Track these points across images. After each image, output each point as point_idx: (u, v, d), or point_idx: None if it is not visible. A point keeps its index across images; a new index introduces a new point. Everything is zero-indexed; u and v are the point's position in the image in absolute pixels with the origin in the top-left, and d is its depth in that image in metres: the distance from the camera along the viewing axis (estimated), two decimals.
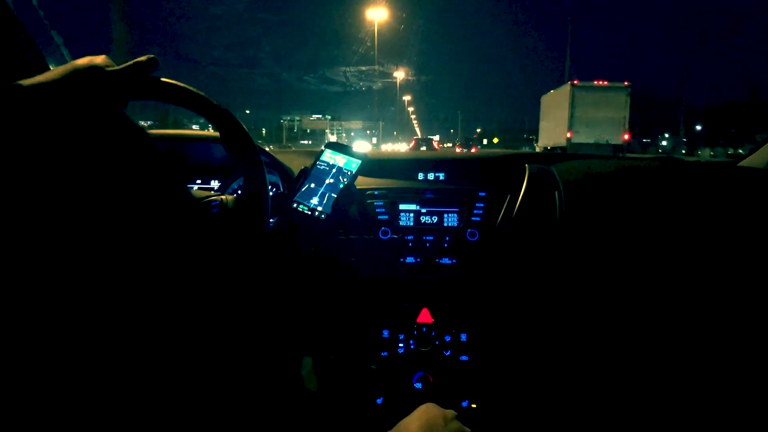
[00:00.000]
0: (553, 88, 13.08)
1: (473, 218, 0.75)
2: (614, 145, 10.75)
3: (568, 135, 11.09)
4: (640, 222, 0.70)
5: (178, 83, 0.47)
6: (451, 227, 0.76)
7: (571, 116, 11.16)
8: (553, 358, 0.73)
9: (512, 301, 0.73)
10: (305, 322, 0.75)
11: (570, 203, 0.72)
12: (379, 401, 0.73)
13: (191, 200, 0.55)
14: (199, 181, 0.79)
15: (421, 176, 0.81)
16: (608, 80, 11.25)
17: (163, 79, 0.46)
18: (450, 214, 0.76)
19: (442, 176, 0.80)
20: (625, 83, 11.11)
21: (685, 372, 0.69)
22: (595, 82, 11.21)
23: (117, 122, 0.41)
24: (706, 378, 0.69)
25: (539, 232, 0.72)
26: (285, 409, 0.74)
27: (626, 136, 10.95)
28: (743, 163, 0.79)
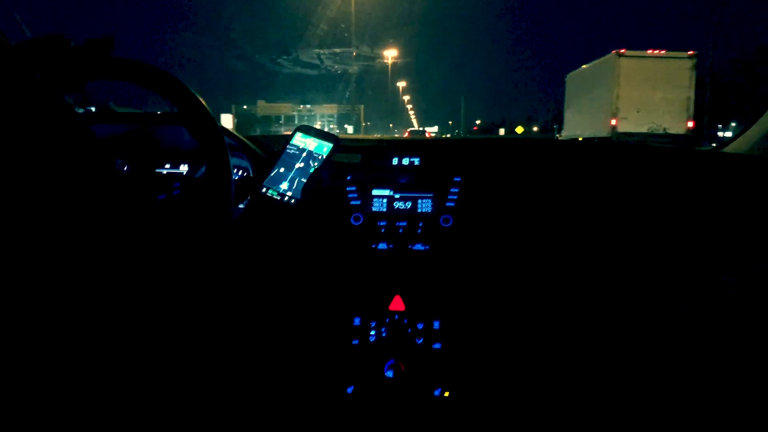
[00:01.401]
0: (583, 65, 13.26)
1: (447, 204, 1.02)
2: (674, 136, 10.75)
3: (613, 122, 11.19)
4: (608, 207, 0.99)
5: (132, 60, 0.70)
6: (425, 213, 1.02)
7: (617, 97, 11.15)
8: (528, 344, 1.00)
9: (486, 287, 1.00)
10: (273, 309, 1.00)
11: (545, 187, 1.00)
12: (349, 390, 0.98)
13: (122, 182, 0.75)
14: (168, 165, 1.04)
15: (395, 161, 1.08)
16: (666, 49, 11.26)
17: (120, 58, 0.70)
18: (424, 200, 1.03)
19: (417, 161, 1.08)
20: (690, 52, 11.08)
21: (668, 358, 0.97)
22: (650, 52, 11.21)
23: (51, 100, 0.58)
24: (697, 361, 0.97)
25: (512, 217, 1.00)
26: (256, 400, 0.98)
27: (690, 124, 10.97)
28: (727, 149, 1.09)
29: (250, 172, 1.06)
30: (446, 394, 0.97)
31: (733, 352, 0.94)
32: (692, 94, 11.13)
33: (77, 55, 0.62)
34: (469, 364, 0.99)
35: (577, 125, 13.48)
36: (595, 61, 12.62)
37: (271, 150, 1.06)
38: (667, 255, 0.96)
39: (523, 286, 1.00)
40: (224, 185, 0.74)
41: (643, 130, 10.98)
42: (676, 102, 11.06)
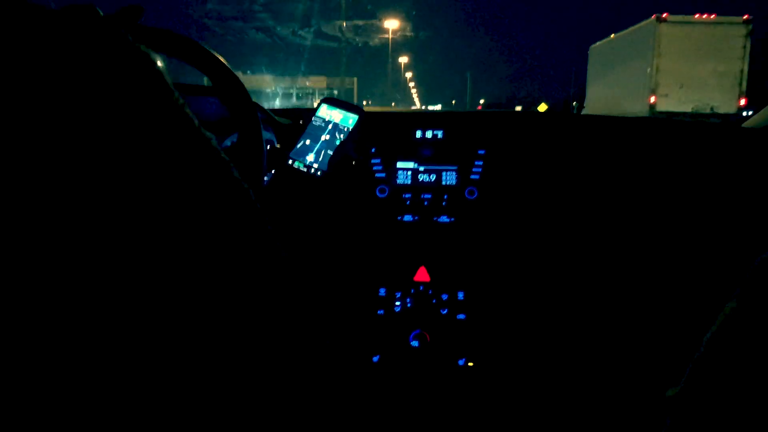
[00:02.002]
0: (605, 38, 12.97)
1: (472, 176, 1.18)
2: (724, 116, 10.46)
3: (652, 100, 10.95)
4: (635, 183, 1.14)
5: (168, 30, 0.85)
6: (450, 185, 1.18)
7: (657, 70, 10.88)
8: (550, 315, 1.16)
9: (510, 259, 1.16)
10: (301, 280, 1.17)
11: (572, 160, 1.16)
12: (375, 359, 1.15)
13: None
14: None
15: (419, 134, 1.24)
16: (716, 13, 10.80)
17: (155, 28, 0.86)
18: (448, 173, 1.19)
19: (440, 134, 1.23)
20: (745, 17, 10.63)
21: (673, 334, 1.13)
22: (696, 17, 10.89)
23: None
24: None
25: (536, 190, 1.16)
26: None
27: (743, 101, 10.70)
28: (747, 123, 1.24)
29: (275, 143, 1.22)
30: (470, 364, 1.14)
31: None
32: (746, 67, 10.77)
33: (107, 24, 0.78)
34: (492, 335, 1.15)
35: (603, 103, 13.30)
36: (629, 29, 12.30)
37: (297, 122, 1.22)
38: (688, 231, 1.12)
39: (546, 258, 1.16)
40: (257, 155, 0.90)
41: (688, 109, 10.75)
42: (727, 76, 10.74)
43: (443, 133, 1.23)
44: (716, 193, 1.11)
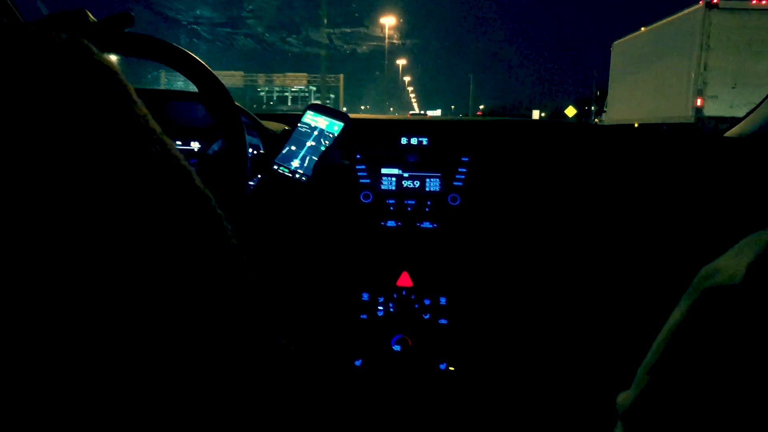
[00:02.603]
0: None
1: (455, 183, 1.37)
2: None
3: (698, 103, 10.55)
4: (616, 191, 1.33)
5: (154, 37, 1.03)
6: (433, 191, 1.38)
7: (704, 68, 10.43)
8: (532, 322, 1.34)
9: (491, 265, 1.35)
10: (284, 284, 1.36)
11: (555, 168, 1.35)
12: (357, 363, 1.33)
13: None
14: (179, 143, 1.42)
15: (404, 140, 1.44)
16: None
17: (142, 34, 1.04)
18: (432, 179, 1.39)
19: (425, 141, 1.43)
20: None
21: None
22: (754, 2, 10.34)
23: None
24: None
25: (519, 198, 1.35)
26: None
27: None
28: (729, 133, 1.43)
29: (261, 149, 1.42)
30: (451, 368, 1.32)
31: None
32: None
33: (96, 30, 0.85)
34: (474, 340, 1.33)
35: (630, 107, 12.98)
36: (667, 20, 11.78)
37: (283, 128, 1.42)
38: (670, 240, 1.30)
39: (527, 265, 1.34)
40: (240, 162, 1.09)
41: (740, 113, 9.56)
42: None
43: (428, 140, 1.43)
44: (692, 200, 1.29)
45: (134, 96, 0.32)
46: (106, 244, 0.27)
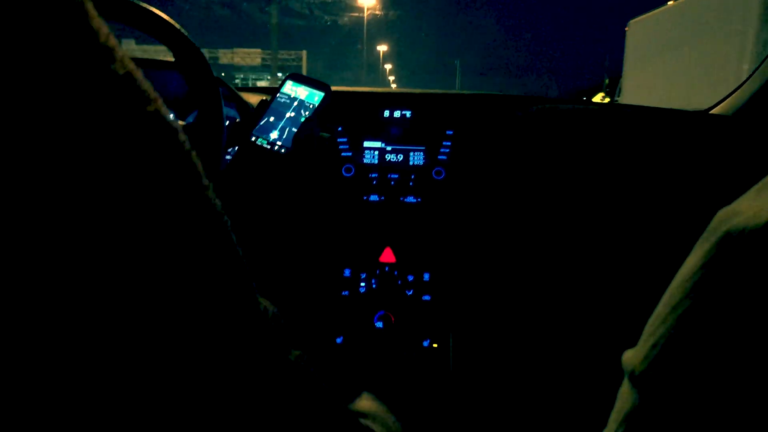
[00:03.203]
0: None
1: (440, 157, 1.34)
2: None
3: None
4: (607, 167, 1.32)
5: (133, 1, 0.97)
6: (417, 165, 1.34)
7: (764, 45, 8.16)
8: (517, 297, 1.33)
9: (476, 240, 1.33)
10: (263, 259, 1.32)
11: (540, 146, 1.33)
12: (339, 340, 1.30)
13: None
14: None
15: (387, 113, 1.40)
16: None
17: None
18: (416, 153, 1.35)
19: (408, 114, 1.39)
20: None
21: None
22: None
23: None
24: None
25: (503, 172, 1.33)
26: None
27: None
28: (716, 110, 1.43)
29: (238, 120, 1.36)
30: (435, 345, 1.30)
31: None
32: None
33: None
34: (458, 316, 1.32)
35: (653, 96, 11.31)
36: None
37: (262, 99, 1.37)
38: (655, 220, 1.30)
39: (511, 240, 1.33)
40: (216, 133, 1.04)
41: None
42: None
43: (411, 113, 1.39)
44: (674, 182, 1.28)
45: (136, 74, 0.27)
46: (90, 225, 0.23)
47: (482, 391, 1.31)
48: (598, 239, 1.31)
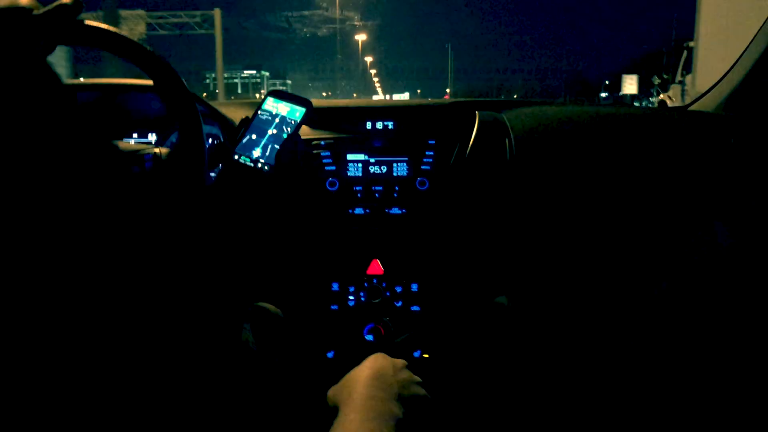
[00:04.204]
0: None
1: (423, 167, 1.34)
2: None
3: None
4: (590, 169, 1.32)
5: (105, 26, 0.96)
6: (401, 176, 1.34)
7: None
8: (504, 304, 1.33)
9: (462, 249, 1.33)
10: (249, 278, 1.32)
11: (520, 150, 1.33)
12: (329, 355, 1.30)
13: (116, 155, 1.02)
14: (135, 135, 1.35)
15: (369, 125, 1.40)
16: None
17: (89, 23, 0.98)
18: (399, 164, 1.35)
19: (390, 125, 1.39)
20: None
21: (632, 321, 1.31)
22: None
23: (38, 70, 0.81)
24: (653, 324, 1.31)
25: (488, 179, 1.33)
26: (232, 372, 1.30)
27: None
28: (694, 106, 1.43)
29: (221, 139, 1.36)
30: (425, 355, 1.30)
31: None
32: None
33: (44, 19, 0.79)
34: (447, 326, 1.31)
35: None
36: None
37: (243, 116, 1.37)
38: (640, 217, 1.30)
39: (497, 248, 1.33)
40: (197, 153, 1.03)
41: None
42: None
43: (393, 124, 1.39)
44: (663, 178, 1.29)
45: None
46: None
47: (473, 402, 1.30)
48: (583, 243, 1.31)
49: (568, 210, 1.32)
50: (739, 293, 1.24)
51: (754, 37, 1.30)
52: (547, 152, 1.33)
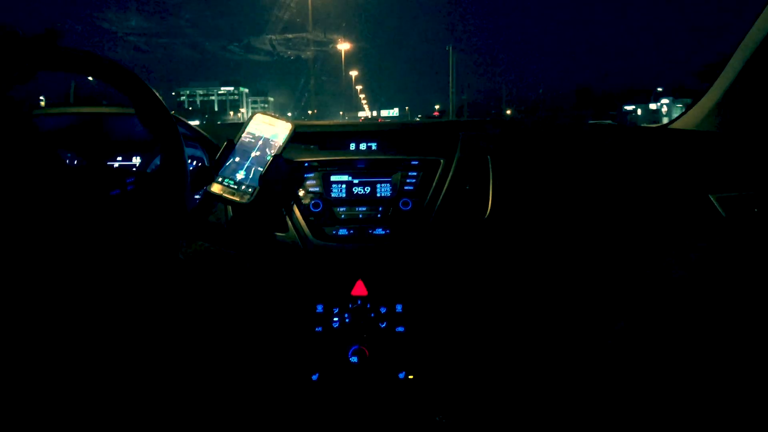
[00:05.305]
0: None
1: (406, 188, 1.34)
2: None
3: None
4: (570, 189, 1.33)
5: (85, 51, 0.97)
6: (384, 197, 1.35)
7: None
8: (487, 323, 1.32)
9: (445, 269, 1.33)
10: (234, 299, 1.31)
11: (500, 170, 1.34)
12: (314, 377, 1.29)
13: (87, 178, 1.01)
14: (119, 158, 1.34)
15: (352, 146, 1.40)
16: None
17: (70, 48, 0.98)
18: (383, 184, 1.35)
19: (374, 146, 1.39)
20: None
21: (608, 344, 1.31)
22: None
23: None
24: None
25: (471, 200, 1.33)
26: (222, 391, 1.29)
27: None
28: (674, 125, 1.45)
29: (205, 162, 1.36)
30: (410, 377, 1.29)
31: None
32: None
33: (25, 46, 0.87)
34: (432, 347, 1.31)
35: None
36: None
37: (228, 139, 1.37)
38: (620, 231, 1.31)
39: (480, 267, 1.33)
40: (180, 177, 1.03)
41: None
42: None
43: (377, 145, 1.39)
44: (643, 192, 1.29)
45: None
46: None
47: (457, 418, 1.29)
48: (566, 261, 1.32)
49: (549, 232, 1.32)
50: (693, 324, 1.26)
51: (730, 58, 1.32)
52: (526, 172, 1.34)
